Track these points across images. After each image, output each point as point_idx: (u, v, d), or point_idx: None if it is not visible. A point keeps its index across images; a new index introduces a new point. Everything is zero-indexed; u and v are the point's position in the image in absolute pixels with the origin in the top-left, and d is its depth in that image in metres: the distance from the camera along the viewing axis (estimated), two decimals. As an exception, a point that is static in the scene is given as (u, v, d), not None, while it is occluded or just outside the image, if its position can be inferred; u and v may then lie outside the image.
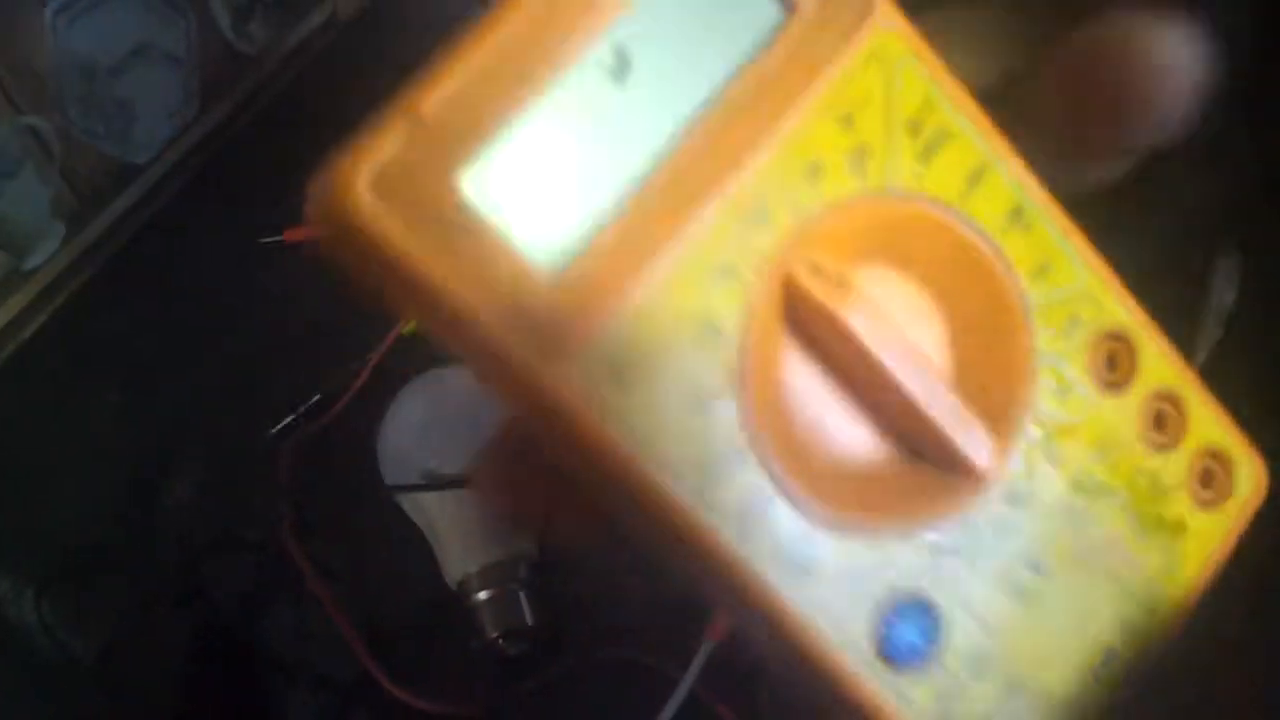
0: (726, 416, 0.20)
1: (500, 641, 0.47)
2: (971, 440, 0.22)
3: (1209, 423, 0.25)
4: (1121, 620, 0.24)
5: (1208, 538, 0.25)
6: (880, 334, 0.21)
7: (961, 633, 0.22)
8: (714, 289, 0.20)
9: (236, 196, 0.65)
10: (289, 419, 0.54)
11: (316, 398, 0.55)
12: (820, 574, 0.20)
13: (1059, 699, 0.23)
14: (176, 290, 0.61)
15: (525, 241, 0.18)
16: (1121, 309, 0.24)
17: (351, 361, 0.56)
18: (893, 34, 0.22)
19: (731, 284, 0.20)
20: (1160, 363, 0.25)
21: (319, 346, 0.58)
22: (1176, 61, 0.23)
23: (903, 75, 0.22)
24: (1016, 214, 0.23)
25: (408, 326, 0.57)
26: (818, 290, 0.21)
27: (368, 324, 0.57)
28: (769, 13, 0.20)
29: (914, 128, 0.22)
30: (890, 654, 0.21)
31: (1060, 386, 0.23)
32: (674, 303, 0.19)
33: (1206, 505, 0.25)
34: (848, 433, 0.22)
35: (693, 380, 0.19)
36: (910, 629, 0.21)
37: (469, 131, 0.18)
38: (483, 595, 0.46)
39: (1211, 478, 0.25)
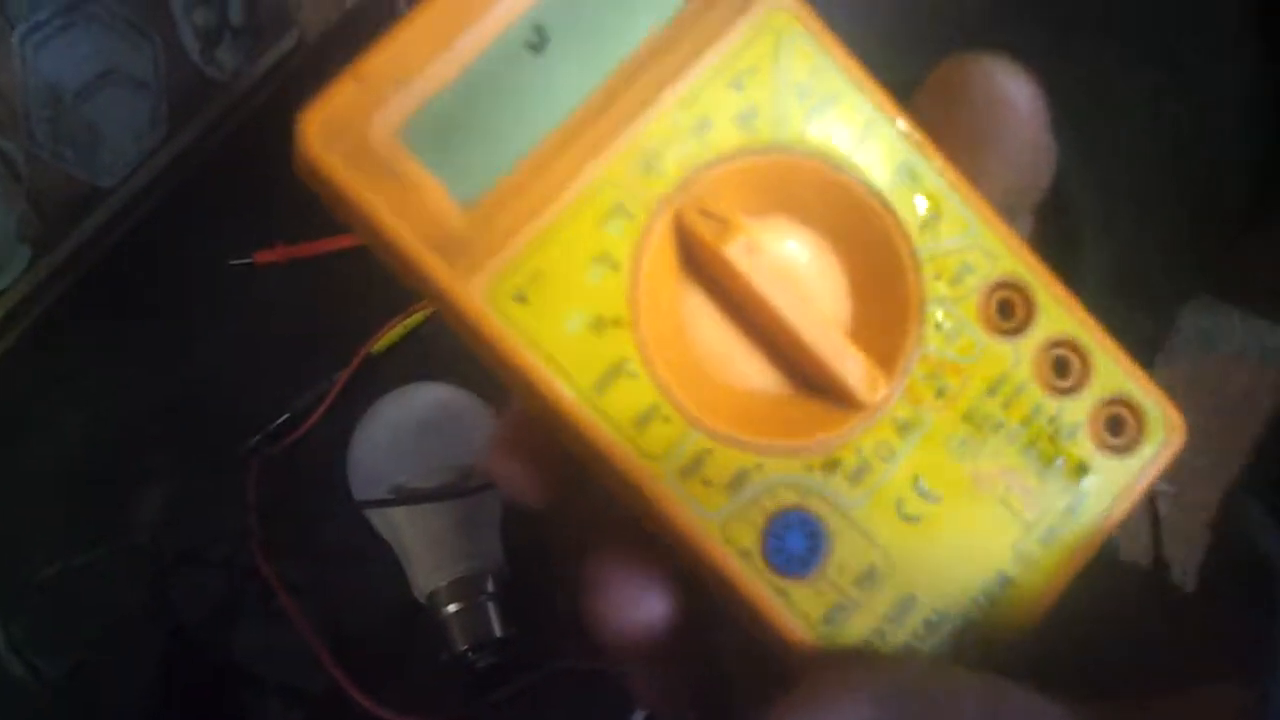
0: (620, 336, 0.22)
1: (469, 653, 0.47)
2: (850, 368, 0.24)
3: (1114, 372, 0.27)
4: (1016, 550, 0.25)
5: (1113, 482, 0.26)
6: (761, 270, 0.23)
7: (848, 548, 0.24)
8: (610, 226, 0.22)
9: (205, 220, 0.66)
10: (258, 437, 0.55)
11: (285, 416, 0.56)
12: (710, 483, 0.23)
13: (950, 616, 0.24)
14: (144, 312, 0.62)
15: (444, 178, 0.21)
16: (1015, 260, 0.26)
17: (320, 380, 0.57)
18: (782, 9, 0.24)
19: (625, 223, 0.23)
20: (1059, 311, 0.26)
21: (287, 366, 0.58)
22: (1015, 94, 0.25)
23: (792, 45, 0.24)
24: (904, 170, 0.25)
25: (376, 345, 0.58)
26: (702, 229, 0.23)
27: (335, 343, 0.58)
28: None
29: (801, 91, 0.24)
30: (775, 561, 0.23)
31: (950, 329, 0.25)
32: (572, 235, 0.22)
33: (1115, 450, 0.26)
34: (741, 362, 0.24)
35: (589, 303, 0.22)
36: (796, 539, 0.23)
37: (403, 87, 0.21)
38: (452, 608, 0.47)
39: (1121, 425, 0.27)
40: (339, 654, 0.48)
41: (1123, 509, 0.27)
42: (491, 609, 0.47)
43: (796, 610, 0.23)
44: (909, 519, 0.24)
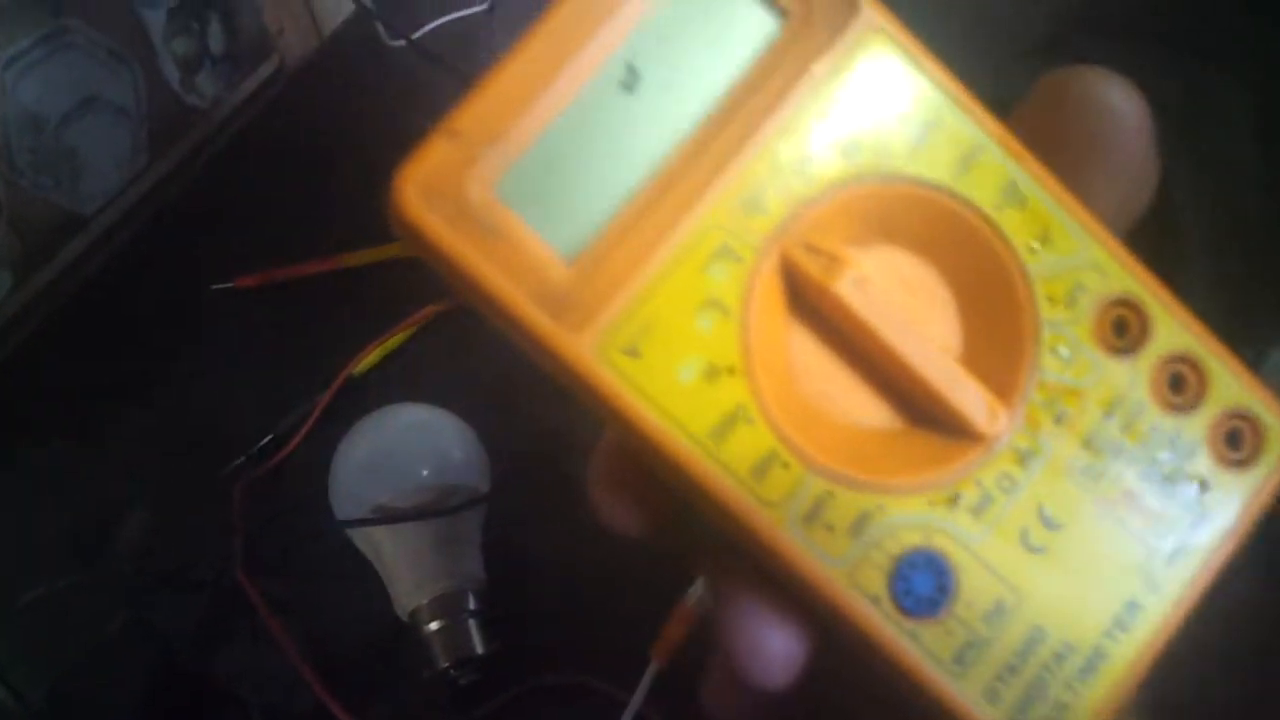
0: (734, 383, 0.22)
1: (451, 671, 0.48)
2: (969, 400, 0.24)
3: (1232, 385, 0.26)
4: (1143, 575, 0.25)
5: (1235, 497, 0.26)
6: (872, 304, 0.23)
7: (975, 584, 0.23)
8: (716, 270, 0.22)
9: (186, 245, 0.66)
10: (240, 459, 0.55)
11: (268, 438, 0.56)
12: (833, 528, 0.22)
13: (1080, 647, 0.24)
14: (126, 337, 0.62)
15: (546, 231, 0.21)
16: (1129, 276, 0.25)
17: (302, 402, 0.57)
18: (879, 31, 0.23)
19: (732, 265, 0.22)
20: (1174, 326, 0.26)
21: (269, 388, 0.59)
22: (1123, 106, 0.25)
23: (889, 70, 0.23)
24: (1010, 190, 0.24)
25: (357, 368, 0.58)
26: (810, 266, 0.23)
27: (317, 365, 0.58)
28: (765, 22, 0.23)
29: (902, 117, 0.24)
30: (905, 604, 0.22)
31: (1066, 352, 0.25)
32: (679, 283, 0.22)
33: (1235, 465, 0.26)
34: (857, 400, 0.24)
35: (701, 351, 0.22)
36: (924, 581, 0.23)
37: (499, 142, 0.21)
38: (433, 626, 0.47)
39: (1240, 438, 0.26)
40: (323, 673, 0.49)
41: (1246, 524, 0.26)
42: (473, 626, 0.48)
43: (927, 652, 0.23)
44: (1034, 550, 0.24)
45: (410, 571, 0.48)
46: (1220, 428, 0.26)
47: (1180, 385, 0.26)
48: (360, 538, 0.51)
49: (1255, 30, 0.32)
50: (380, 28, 0.77)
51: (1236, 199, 0.33)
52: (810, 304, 0.23)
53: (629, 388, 0.21)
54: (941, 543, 0.23)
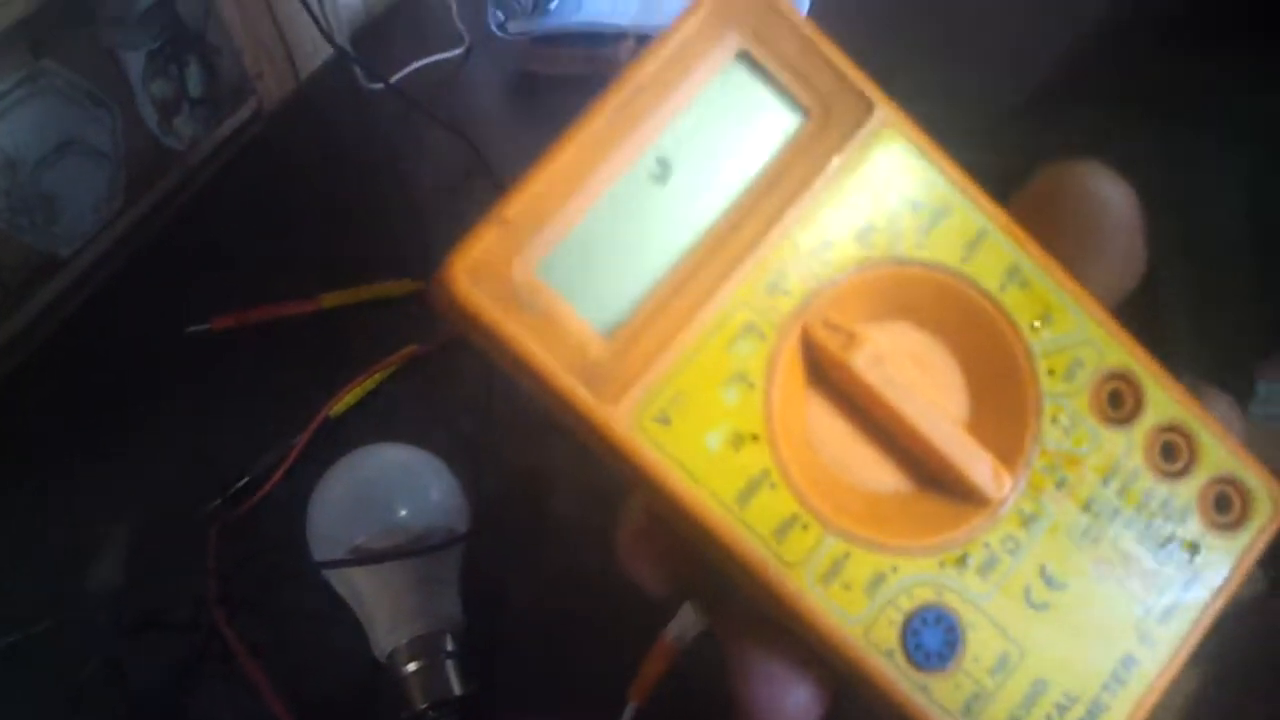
0: (758, 450, 0.24)
1: (429, 712, 0.47)
2: (977, 466, 0.25)
3: (1219, 452, 0.28)
4: (1139, 631, 0.26)
5: (1224, 558, 0.27)
6: (887, 377, 0.25)
7: (981, 639, 0.25)
8: (741, 346, 0.24)
9: (162, 286, 0.66)
10: (218, 501, 0.55)
11: (245, 479, 0.56)
12: (850, 586, 0.24)
13: (1080, 698, 0.25)
14: (102, 379, 0.62)
15: (584, 310, 0.23)
16: (1123, 351, 0.27)
17: (279, 443, 0.57)
18: (891, 128, 0.25)
19: (756, 342, 0.24)
20: (1165, 399, 0.27)
21: (246, 430, 0.59)
22: (1115, 200, 0.27)
23: (903, 162, 0.26)
24: (1013, 272, 0.26)
25: (334, 409, 0.58)
26: (829, 342, 0.25)
27: (294, 407, 0.58)
28: (786, 119, 0.25)
29: (914, 205, 0.25)
30: (916, 658, 0.24)
31: (1066, 422, 0.26)
32: (707, 358, 0.24)
33: (1223, 528, 0.27)
34: (872, 466, 0.26)
35: (728, 421, 0.24)
36: (933, 636, 0.24)
37: (542, 229, 0.23)
38: (411, 667, 0.47)
39: (1228, 503, 0.28)
40: (300, 715, 0.48)
41: (1234, 583, 0.27)
42: (450, 667, 0.48)
43: (937, 703, 0.24)
44: (1037, 607, 0.25)
45: (387, 613, 0.48)
46: (1209, 492, 0.28)
47: (1172, 453, 0.27)
48: (337, 579, 0.51)
49: (1235, 90, 0.33)
50: (358, 71, 0.78)
51: (1220, 261, 0.34)
52: (829, 376, 0.25)
53: (660, 454, 0.23)
54: (950, 600, 0.24)
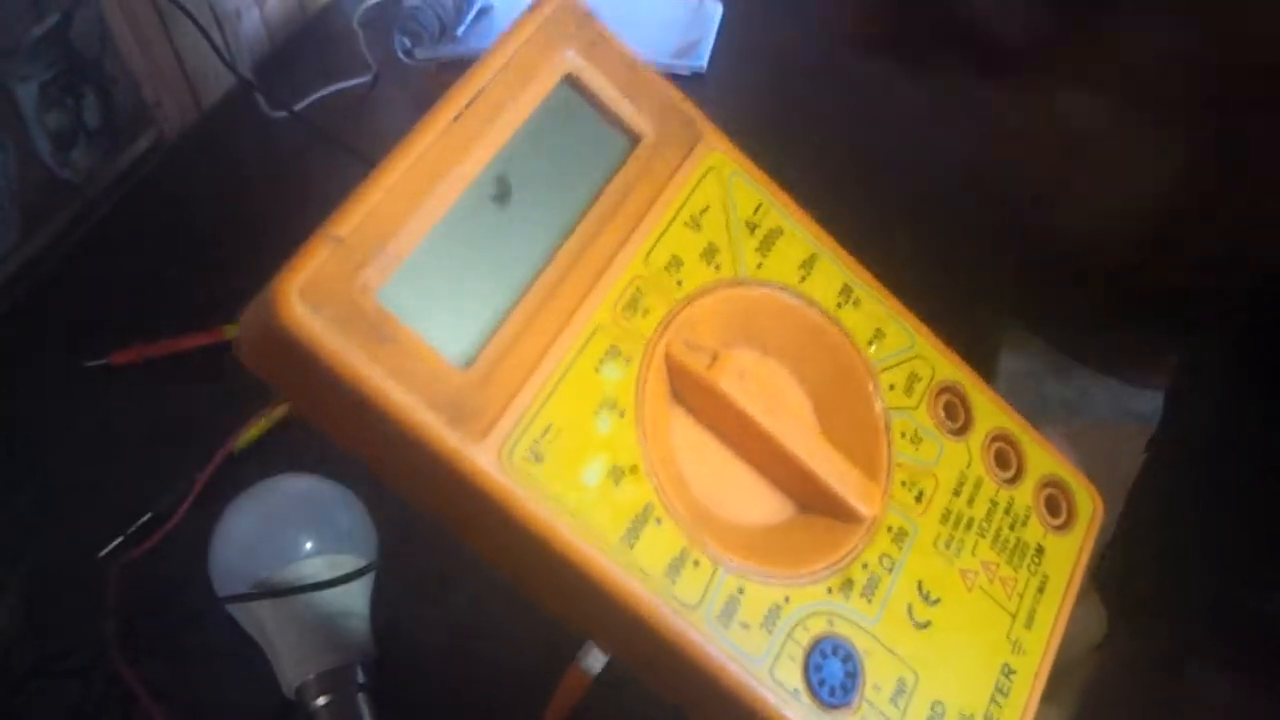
0: (638, 482, 0.22)
1: (340, 748, 0.46)
2: (847, 482, 0.25)
3: (1043, 457, 0.29)
4: (1010, 640, 0.26)
5: (1065, 557, 0.28)
6: (756, 398, 0.24)
7: (878, 666, 0.24)
8: (607, 371, 0.22)
9: (60, 322, 0.65)
10: (118, 540, 0.54)
11: (146, 517, 0.54)
12: (748, 625, 0.23)
13: (974, 715, 0.25)
14: (-2, 417, 0.60)
15: (436, 339, 0.20)
16: (949, 365, 0.28)
17: (181, 480, 0.56)
18: (721, 153, 0.26)
19: (622, 365, 0.23)
20: (991, 409, 0.28)
21: (148, 466, 0.57)
22: None
23: (734, 185, 0.26)
24: (846, 292, 0.27)
25: (237, 444, 0.57)
26: (694, 362, 0.24)
27: (197, 442, 0.57)
28: (619, 142, 0.24)
29: (751, 227, 0.25)
30: (821, 694, 0.23)
31: (913, 435, 0.27)
32: (574, 386, 0.22)
33: (1058, 530, 0.28)
34: (746, 491, 0.25)
35: (603, 452, 0.22)
36: (834, 668, 0.24)
37: (381, 249, 0.20)
38: (321, 701, 0.46)
39: (1057, 505, 0.29)
40: (205, 758, 0.47)
41: (1077, 581, 0.28)
42: (362, 700, 0.47)
43: None
44: (921, 626, 0.25)
45: (295, 647, 0.47)
46: (1041, 496, 0.29)
47: (1004, 460, 0.29)
48: (243, 615, 0.49)
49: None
50: (261, 99, 0.77)
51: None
52: (693, 399, 0.24)
53: (537, 494, 0.20)
54: (843, 629, 0.24)
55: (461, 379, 0.20)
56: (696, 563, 0.22)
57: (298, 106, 0.76)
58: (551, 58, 0.23)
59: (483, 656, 0.50)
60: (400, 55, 0.80)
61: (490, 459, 0.20)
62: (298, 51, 0.85)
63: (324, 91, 0.79)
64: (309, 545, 0.49)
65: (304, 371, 0.19)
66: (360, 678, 0.47)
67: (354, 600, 0.49)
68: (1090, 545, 0.29)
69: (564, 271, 0.22)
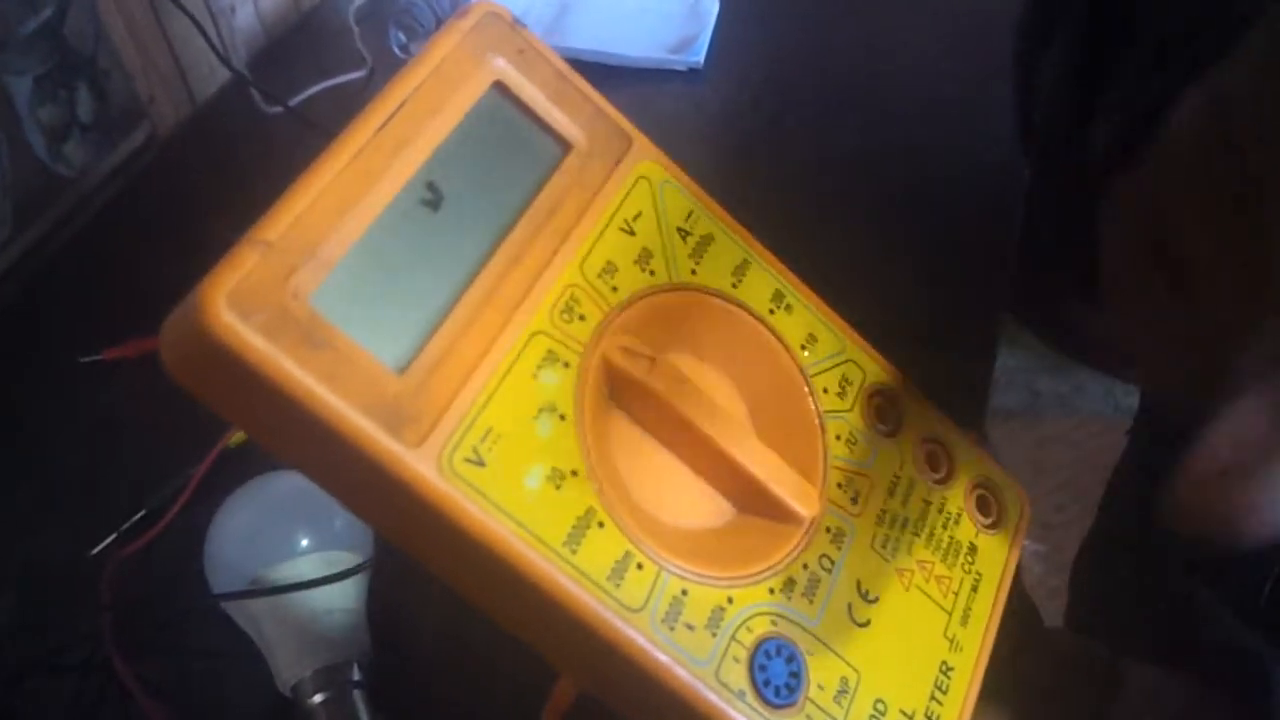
0: (580, 486, 0.22)
1: (337, 745, 0.46)
2: (788, 485, 0.25)
3: (972, 459, 0.29)
4: (947, 637, 0.27)
5: (997, 556, 0.28)
6: (694, 402, 0.24)
7: (820, 665, 0.24)
8: (545, 375, 0.22)
9: (53, 317, 0.65)
10: (111, 537, 0.53)
11: (141, 513, 0.54)
12: (693, 627, 0.22)
13: (915, 713, 0.25)
14: (-9, 413, 0.60)
15: (370, 343, 0.20)
16: (879, 368, 0.28)
17: (176, 476, 0.56)
18: (651, 161, 0.26)
19: (560, 370, 0.23)
20: (921, 410, 0.28)
21: (142, 462, 0.57)
22: None
23: (666, 193, 0.26)
24: (778, 298, 0.27)
25: (233, 439, 0.57)
26: (632, 367, 0.24)
27: (191, 438, 0.57)
28: (550, 150, 0.24)
29: (683, 233, 0.26)
30: (767, 695, 0.23)
31: (848, 437, 0.27)
32: (513, 389, 0.22)
33: (989, 528, 0.29)
34: (685, 494, 0.25)
35: (544, 457, 0.21)
36: (778, 668, 0.23)
37: (311, 254, 0.20)
38: (317, 698, 0.46)
39: (988, 505, 0.29)
40: (201, 755, 0.47)
41: (1009, 579, 0.29)
42: (358, 697, 0.47)
43: None
44: (860, 625, 0.25)
45: (291, 644, 0.47)
46: (971, 496, 0.29)
47: (936, 462, 0.29)
48: (238, 612, 0.49)
49: None
50: (256, 94, 0.76)
51: None
52: (632, 404, 0.24)
53: (478, 499, 0.20)
54: (786, 630, 0.24)
55: (398, 384, 0.20)
56: (640, 565, 0.22)
57: (292, 101, 0.76)
58: (480, 65, 0.23)
59: (479, 653, 0.49)
60: (395, 50, 0.80)
61: (430, 465, 0.20)
62: (292, 46, 0.85)
63: (319, 87, 0.78)
64: (304, 542, 0.49)
65: (234, 381, 0.19)
66: (356, 675, 0.47)
67: (349, 597, 0.49)
68: (1020, 543, 0.29)
69: (499, 277, 0.22)
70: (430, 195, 0.22)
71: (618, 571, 0.22)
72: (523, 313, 0.22)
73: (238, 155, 0.76)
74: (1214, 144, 0.23)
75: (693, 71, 0.77)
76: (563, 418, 0.22)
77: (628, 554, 0.22)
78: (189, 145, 0.76)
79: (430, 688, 0.49)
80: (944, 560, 0.27)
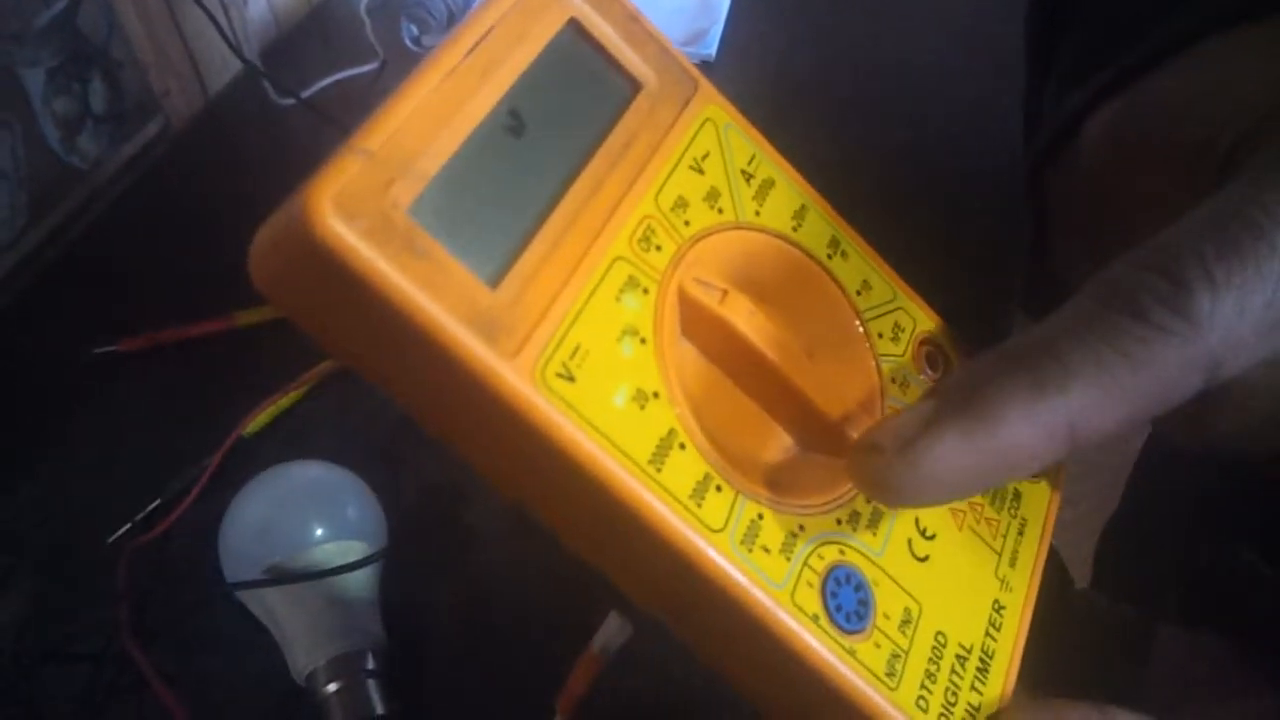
0: (662, 408, 0.22)
1: (351, 734, 0.47)
2: (853, 420, 0.26)
3: None
4: (998, 577, 0.27)
5: (1039, 503, 0.29)
6: (762, 332, 0.25)
7: (886, 596, 0.25)
8: (627, 300, 0.23)
9: (68, 308, 0.65)
10: (128, 525, 0.54)
11: (156, 503, 0.55)
12: (769, 550, 0.23)
13: (972, 649, 0.26)
14: (5, 403, 0.60)
15: (465, 257, 0.20)
16: (928, 318, 0.28)
17: (191, 466, 0.56)
18: (716, 105, 0.27)
19: (640, 296, 0.23)
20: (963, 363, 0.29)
21: (157, 452, 0.57)
22: None
23: (730, 136, 0.27)
24: (834, 244, 0.27)
25: (248, 428, 0.57)
26: (707, 298, 0.24)
27: (206, 428, 0.57)
28: (622, 88, 0.25)
29: (747, 176, 0.26)
30: (838, 620, 0.23)
31: (902, 381, 0.27)
32: (599, 310, 0.22)
33: (1031, 477, 0.29)
34: (753, 427, 0.25)
35: (629, 377, 0.22)
36: (848, 595, 0.24)
37: (408, 166, 0.20)
38: (331, 688, 0.46)
39: None
40: (216, 743, 0.47)
41: (1050, 527, 0.29)
42: (372, 686, 0.47)
43: (866, 668, 0.23)
44: (920, 560, 0.26)
45: (306, 633, 0.47)
46: None
47: None
48: (253, 601, 0.49)
49: None
50: (268, 86, 0.77)
51: None
52: (704, 335, 0.25)
53: (570, 413, 0.20)
54: (853, 559, 0.25)
55: (491, 298, 0.20)
56: (719, 488, 0.22)
57: (305, 94, 0.76)
58: (556, 2, 0.24)
59: (493, 643, 0.50)
60: (408, 43, 0.80)
61: (524, 377, 0.20)
62: (305, 38, 0.85)
63: (331, 79, 0.79)
64: (319, 532, 0.49)
65: (333, 288, 0.19)
66: (370, 664, 0.47)
67: (364, 587, 0.49)
68: (1058, 494, 0.30)
69: (581, 204, 0.23)
70: (513, 122, 0.22)
71: (699, 491, 0.22)
72: (604, 238, 0.23)
73: (250, 147, 0.76)
74: (1114, 158, 0.25)
75: (704, 64, 0.77)
76: (644, 341, 0.22)
77: (708, 475, 0.22)
78: (202, 137, 0.76)
79: (445, 677, 0.50)
80: (992, 504, 0.28)
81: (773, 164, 0.27)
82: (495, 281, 0.21)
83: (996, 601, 0.27)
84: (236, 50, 0.74)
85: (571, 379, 0.21)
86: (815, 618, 0.23)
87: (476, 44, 0.22)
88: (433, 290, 0.19)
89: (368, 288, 0.19)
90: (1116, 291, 0.20)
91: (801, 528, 0.24)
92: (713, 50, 0.77)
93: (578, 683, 0.47)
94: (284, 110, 0.77)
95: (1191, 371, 0.20)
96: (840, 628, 0.23)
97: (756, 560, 0.22)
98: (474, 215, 0.21)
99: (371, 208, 0.19)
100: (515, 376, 0.20)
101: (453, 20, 0.80)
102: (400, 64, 0.80)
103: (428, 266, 0.19)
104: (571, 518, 0.22)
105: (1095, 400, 0.20)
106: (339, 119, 0.74)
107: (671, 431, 0.22)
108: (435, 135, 0.21)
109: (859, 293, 0.28)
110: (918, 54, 0.79)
